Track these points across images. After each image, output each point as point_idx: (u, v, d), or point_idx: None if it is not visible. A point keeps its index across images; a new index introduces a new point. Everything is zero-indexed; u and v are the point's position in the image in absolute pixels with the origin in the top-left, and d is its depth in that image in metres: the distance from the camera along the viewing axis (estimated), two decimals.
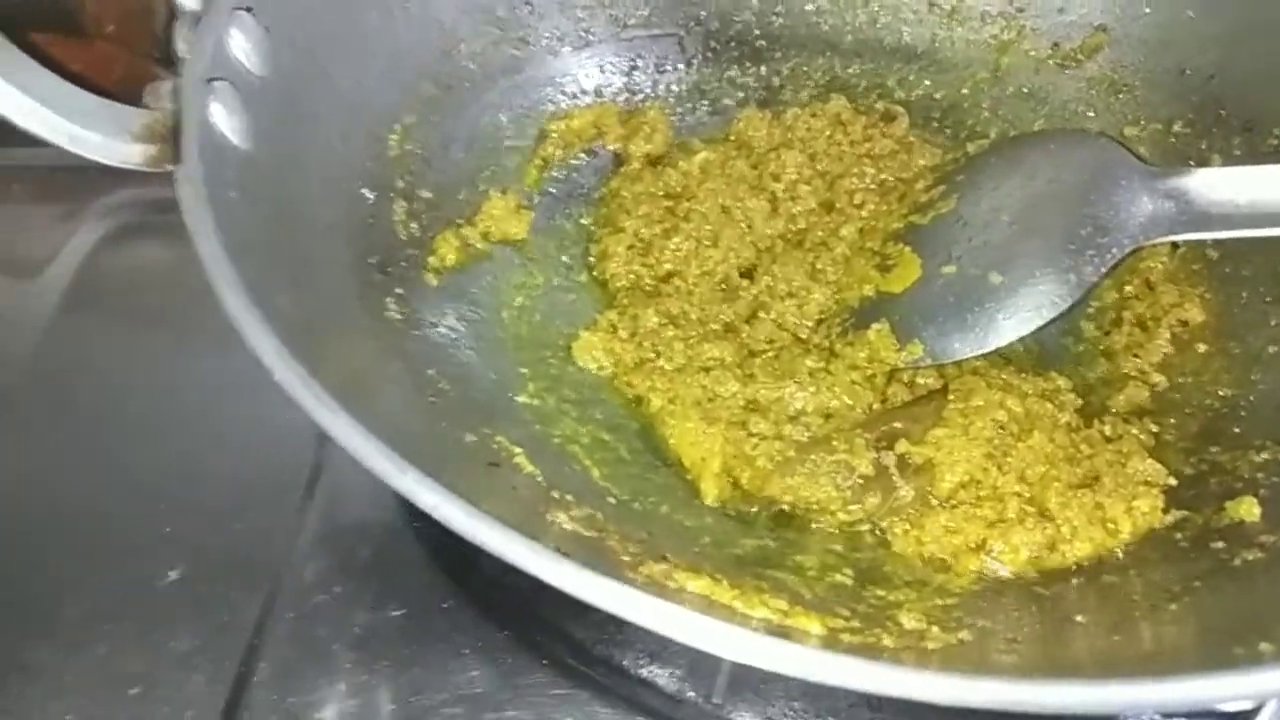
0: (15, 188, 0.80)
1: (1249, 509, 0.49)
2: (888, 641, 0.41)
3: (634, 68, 0.73)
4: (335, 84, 0.57)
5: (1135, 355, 0.61)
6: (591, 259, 0.65)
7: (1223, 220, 0.54)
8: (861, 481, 0.52)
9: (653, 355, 0.58)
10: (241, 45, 0.51)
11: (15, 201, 0.80)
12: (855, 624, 0.42)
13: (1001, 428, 0.52)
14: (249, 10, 0.51)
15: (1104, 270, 0.56)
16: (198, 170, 0.43)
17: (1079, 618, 0.44)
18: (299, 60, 0.54)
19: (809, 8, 0.76)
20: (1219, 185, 0.56)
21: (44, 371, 0.67)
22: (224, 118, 0.47)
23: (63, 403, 0.66)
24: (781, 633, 0.39)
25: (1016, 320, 0.56)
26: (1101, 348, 0.62)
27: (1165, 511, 0.51)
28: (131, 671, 0.52)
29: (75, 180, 0.78)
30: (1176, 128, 0.69)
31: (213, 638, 0.54)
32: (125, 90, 0.88)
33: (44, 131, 0.43)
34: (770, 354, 0.59)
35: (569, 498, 0.47)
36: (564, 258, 0.65)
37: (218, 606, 0.55)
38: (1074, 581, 0.48)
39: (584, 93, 0.72)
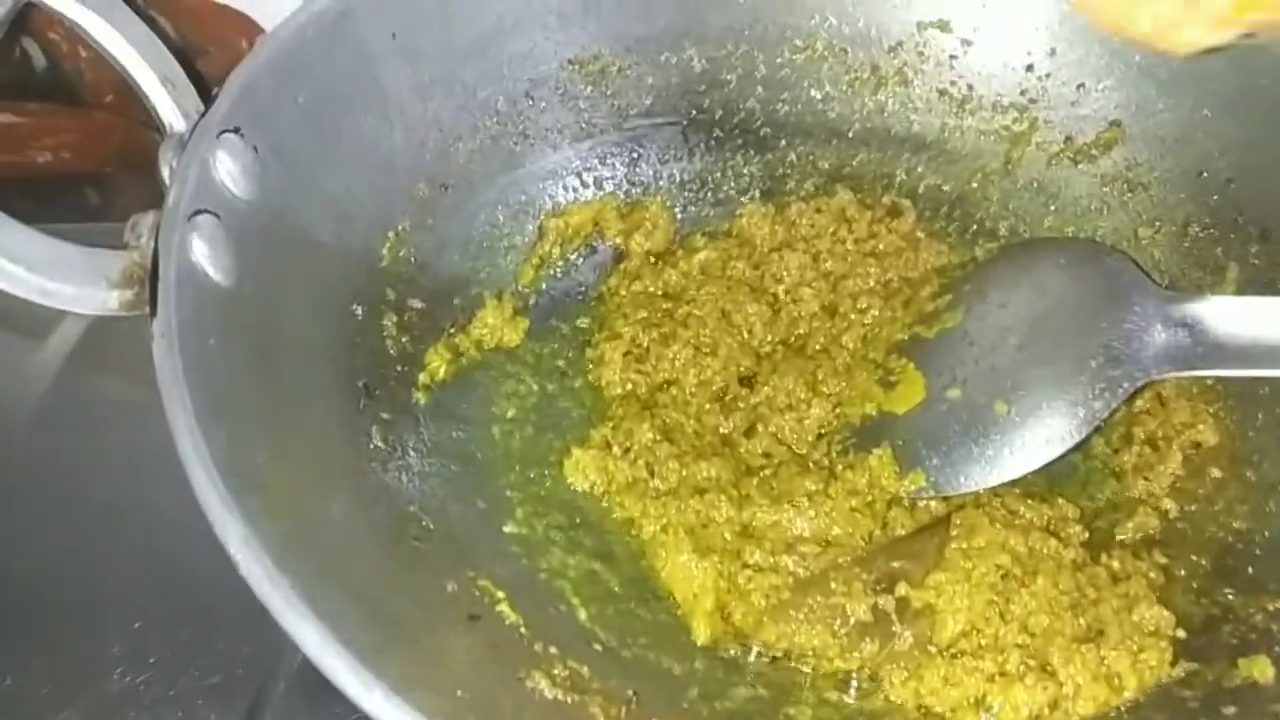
0: None
1: (1262, 669, 0.47)
2: None
3: (636, 158, 0.72)
4: (327, 198, 0.55)
5: (1145, 477, 0.59)
6: (589, 364, 0.64)
7: (1240, 356, 0.53)
8: (859, 627, 0.50)
9: (646, 475, 0.56)
10: (229, 169, 0.49)
11: None
12: None
13: (1005, 574, 0.50)
14: (237, 131, 0.50)
15: (1114, 405, 0.54)
16: (175, 321, 0.42)
17: None
18: (289, 177, 0.53)
19: (815, 94, 0.74)
20: (1237, 316, 0.54)
21: (40, 437, 0.67)
22: (206, 255, 0.46)
23: (56, 469, 0.65)
24: None
25: (1023, 456, 0.54)
26: (1111, 467, 0.60)
27: (1173, 664, 0.49)
28: None
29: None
30: (1192, 231, 0.66)
31: None
32: (122, 160, 0.87)
33: (13, 287, 0.42)
34: (768, 471, 0.58)
35: (553, 650, 0.46)
36: (559, 362, 0.64)
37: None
38: None
39: (584, 186, 0.70)
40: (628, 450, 0.57)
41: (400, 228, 0.60)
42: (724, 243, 0.68)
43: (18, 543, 0.61)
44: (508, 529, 0.54)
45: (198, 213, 0.46)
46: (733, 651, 0.51)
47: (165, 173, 0.49)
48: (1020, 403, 0.55)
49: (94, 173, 0.86)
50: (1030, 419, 0.55)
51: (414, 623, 0.41)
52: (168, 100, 0.49)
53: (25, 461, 0.65)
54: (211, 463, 0.37)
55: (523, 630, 0.47)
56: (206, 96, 0.53)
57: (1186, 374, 0.54)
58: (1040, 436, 0.54)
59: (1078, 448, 0.55)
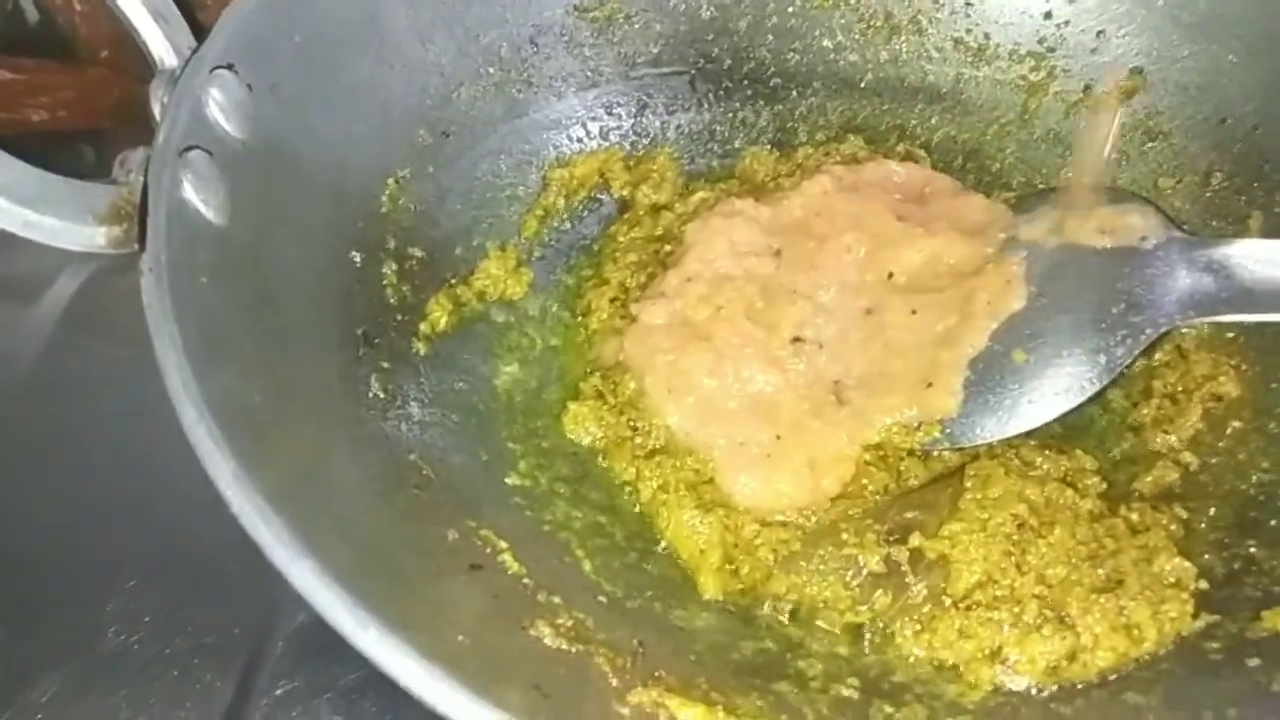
0: None
1: None
2: None
3: (643, 108, 0.70)
4: (323, 141, 0.54)
5: (1165, 430, 0.57)
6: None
7: (1268, 300, 0.51)
8: (871, 578, 0.49)
9: (629, 432, 0.55)
10: (222, 107, 0.48)
11: None
12: None
13: (1021, 525, 0.49)
14: (230, 68, 0.49)
15: (1136, 352, 0.52)
16: (164, 257, 0.40)
17: None
18: (284, 119, 0.51)
19: (827, 44, 0.72)
20: (1264, 258, 0.52)
21: (33, 400, 0.66)
22: (198, 191, 0.44)
23: (53, 430, 0.64)
24: None
25: (1041, 405, 0.53)
26: (1129, 420, 0.59)
27: (1195, 616, 0.48)
28: None
29: None
30: (1215, 181, 0.64)
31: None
32: (119, 116, 0.86)
33: None
34: None
35: (556, 600, 0.45)
36: (564, 315, 0.62)
37: (188, 689, 0.53)
38: (1095, 697, 0.45)
39: (589, 136, 0.69)
40: (615, 404, 0.56)
41: (400, 174, 0.58)
42: (725, 184, 0.66)
43: (11, 504, 0.60)
44: (510, 481, 0.52)
45: (190, 149, 0.45)
46: (741, 605, 0.50)
47: (156, 109, 0.48)
48: (1039, 351, 0.54)
49: (91, 129, 0.85)
50: (1049, 367, 0.53)
51: (414, 570, 0.40)
52: (159, 35, 0.48)
53: (19, 424, 0.64)
54: (202, 399, 0.36)
55: (526, 581, 0.45)
56: (202, 38, 0.51)
57: (1212, 319, 0.53)
58: (1059, 385, 0.53)
59: (1096, 398, 0.54)
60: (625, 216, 0.66)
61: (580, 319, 0.61)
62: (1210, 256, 0.53)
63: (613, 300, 0.60)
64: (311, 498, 0.37)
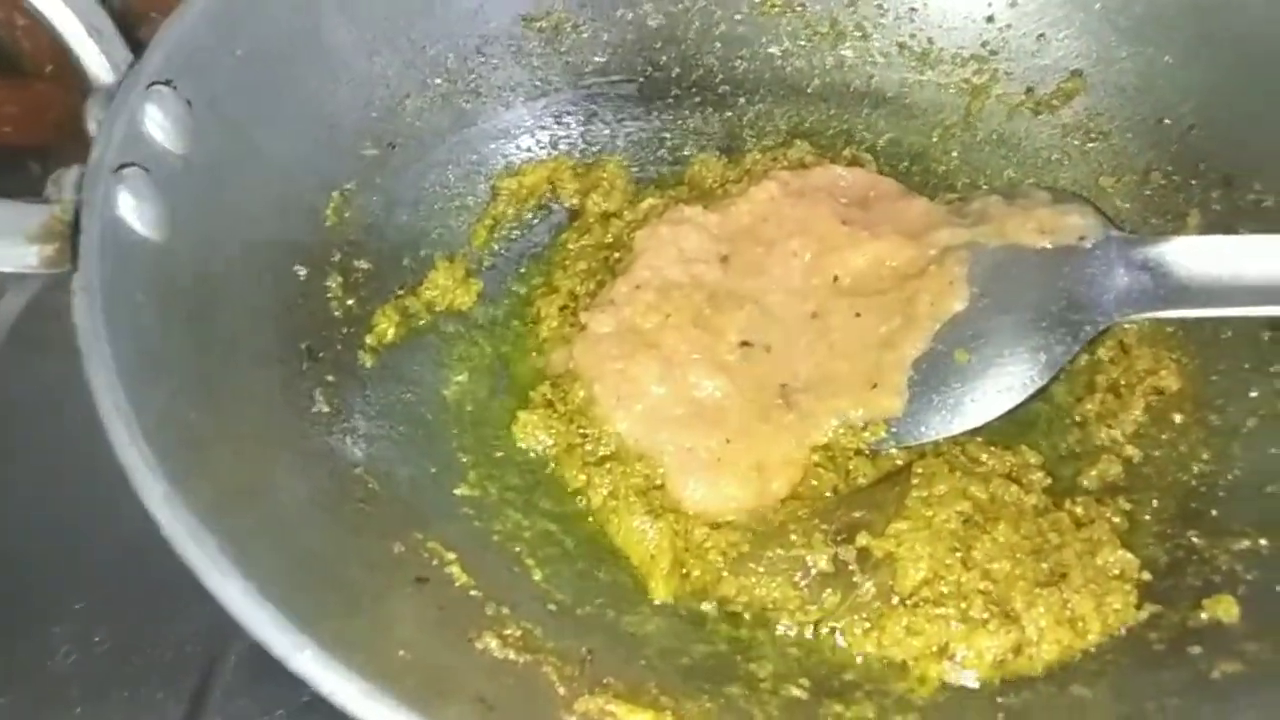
0: None
1: (1227, 608, 0.47)
2: None
3: (592, 117, 0.70)
4: (267, 155, 0.54)
5: (1108, 425, 0.58)
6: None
7: (1203, 295, 0.52)
8: (820, 578, 0.49)
9: (579, 440, 0.55)
10: (159, 123, 0.48)
11: None
12: None
13: (966, 521, 0.50)
14: (169, 84, 0.48)
15: (1076, 349, 0.53)
16: (97, 276, 0.40)
17: None
18: (227, 134, 0.51)
19: (774, 50, 0.73)
20: (1199, 255, 0.53)
21: None
22: (134, 209, 0.44)
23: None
24: None
25: (984, 403, 0.54)
26: (1073, 415, 0.59)
27: (1138, 607, 0.48)
28: None
29: None
30: (1154, 179, 0.66)
31: None
32: (64, 132, 0.85)
33: None
34: None
35: (505, 610, 0.45)
36: (514, 323, 0.62)
37: (140, 710, 0.52)
38: (1042, 691, 0.46)
39: (538, 145, 0.69)
40: (565, 412, 0.56)
41: (346, 187, 0.58)
42: (675, 191, 0.67)
43: None
44: (459, 491, 0.52)
45: (125, 166, 0.45)
46: (692, 609, 0.50)
47: (92, 127, 0.47)
48: (981, 350, 0.54)
49: (36, 145, 0.84)
50: (991, 367, 0.54)
51: (357, 585, 0.40)
52: (95, 51, 0.47)
53: None
54: (134, 419, 0.35)
55: (473, 592, 0.45)
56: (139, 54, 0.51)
57: (1149, 316, 0.54)
58: (1001, 384, 0.54)
59: (1039, 394, 0.55)
60: (575, 224, 0.66)
61: (530, 327, 0.61)
62: (1147, 255, 0.54)
63: (562, 308, 0.60)
64: (249, 516, 0.36)
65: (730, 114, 0.72)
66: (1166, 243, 0.54)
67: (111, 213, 0.43)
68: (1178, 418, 0.58)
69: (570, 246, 0.64)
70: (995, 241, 0.57)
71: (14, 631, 0.55)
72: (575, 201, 0.67)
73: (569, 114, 0.70)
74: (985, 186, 0.69)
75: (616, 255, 0.62)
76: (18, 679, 0.54)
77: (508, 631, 0.43)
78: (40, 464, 0.62)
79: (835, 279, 0.58)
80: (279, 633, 0.31)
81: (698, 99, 0.72)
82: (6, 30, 0.82)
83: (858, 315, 0.56)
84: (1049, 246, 0.56)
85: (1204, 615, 0.47)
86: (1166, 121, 0.66)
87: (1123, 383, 0.60)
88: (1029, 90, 0.70)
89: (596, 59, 0.70)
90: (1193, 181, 0.64)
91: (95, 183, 0.43)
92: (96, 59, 0.49)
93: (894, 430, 0.54)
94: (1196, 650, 0.46)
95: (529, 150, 0.68)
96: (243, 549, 0.33)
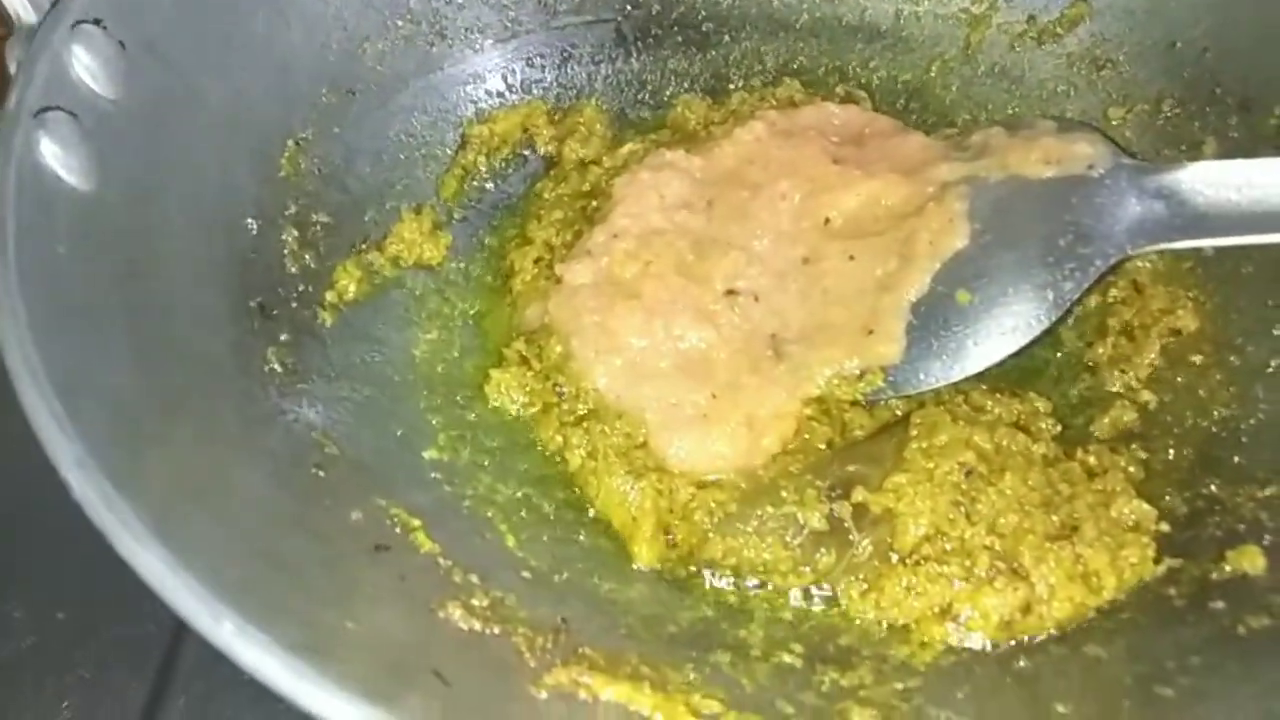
0: None
1: (1253, 559, 0.43)
2: None
3: (567, 59, 0.66)
4: (210, 102, 0.50)
5: (1122, 369, 0.55)
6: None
7: (1221, 223, 0.48)
8: (813, 537, 0.46)
9: (556, 398, 0.51)
10: (87, 65, 0.44)
11: None
12: None
13: (969, 473, 0.46)
14: (98, 23, 0.45)
15: (1086, 285, 0.50)
16: (12, 226, 0.36)
17: (1060, 708, 0.38)
18: (164, 78, 0.47)
19: None
20: (1216, 181, 0.49)
21: None
22: (58, 155, 0.41)
23: None
24: None
25: (987, 346, 0.50)
26: (1084, 360, 0.56)
27: (1157, 561, 0.45)
28: None
29: None
30: (1166, 108, 0.62)
31: None
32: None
33: None
34: None
35: (473, 578, 0.41)
36: (487, 278, 0.59)
37: (102, 691, 0.50)
38: (1053, 654, 0.42)
39: (510, 90, 0.65)
40: (541, 369, 0.53)
41: (301, 136, 0.54)
42: (657, 135, 0.63)
43: None
44: (428, 455, 0.49)
45: (48, 109, 0.41)
46: (678, 574, 0.47)
47: (12, 68, 0.43)
48: (984, 290, 0.51)
49: None
50: (995, 307, 0.50)
51: (302, 555, 0.37)
52: None
53: None
54: (44, 376, 0.32)
55: (440, 560, 0.42)
56: None
57: (1165, 247, 0.50)
58: (1006, 325, 0.50)
59: (1046, 336, 0.51)
60: (552, 173, 0.63)
61: (504, 282, 0.57)
62: (1161, 182, 0.50)
63: (537, 260, 0.57)
64: (178, 482, 0.33)
65: (715, 53, 0.68)
66: (1182, 169, 0.50)
67: (31, 158, 0.39)
68: (1196, 359, 0.54)
69: (546, 196, 0.61)
70: (997, 174, 0.53)
71: None
72: (551, 149, 0.64)
73: (542, 56, 0.66)
74: (987, 121, 0.65)
75: (594, 204, 0.59)
76: None
77: (475, 601, 0.39)
78: None
79: (827, 221, 0.54)
80: (197, 603, 0.28)
81: (679, 38, 0.68)
82: None
83: (851, 259, 0.52)
84: (1055, 177, 0.52)
85: (1227, 567, 0.44)
86: (1178, 45, 0.61)
87: (1137, 324, 0.56)
88: (1031, 18, 0.66)
89: None
90: (1208, 108, 0.60)
91: (13, 127, 0.40)
92: None
93: (892, 379, 0.51)
94: (1220, 605, 0.42)
95: (500, 95, 0.64)
96: (164, 515, 0.30)
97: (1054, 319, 0.50)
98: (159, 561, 0.28)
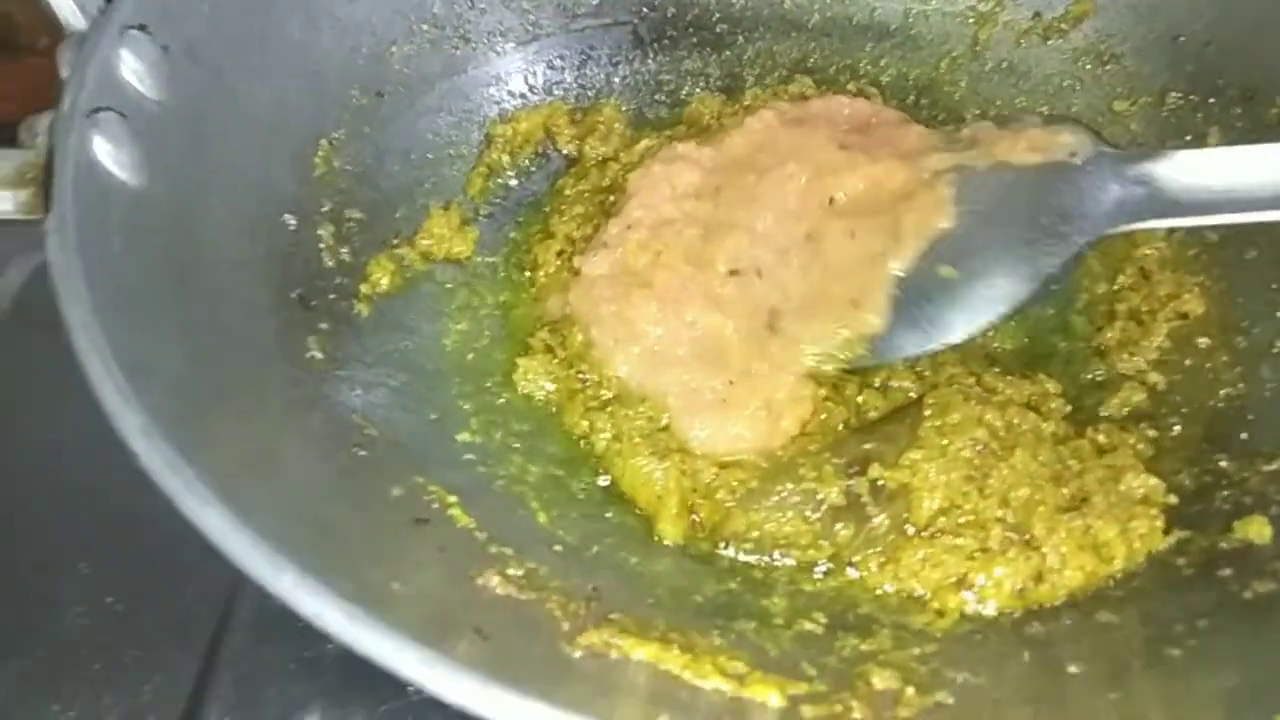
0: None
1: (1259, 529, 0.45)
2: (856, 713, 0.36)
3: (586, 60, 0.69)
4: (249, 103, 0.52)
5: (1130, 353, 0.56)
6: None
7: (1196, 205, 0.50)
8: (831, 512, 0.48)
9: (580, 385, 0.53)
10: (134, 68, 0.46)
11: None
12: (821, 688, 0.38)
13: (982, 448, 0.48)
14: (143, 29, 0.47)
15: (1063, 259, 0.51)
16: (71, 218, 0.39)
17: (1072, 668, 0.40)
18: (206, 81, 0.50)
19: None
20: (1194, 168, 0.51)
21: None
22: (110, 153, 0.43)
23: (5, 419, 0.63)
24: (734, 710, 0.35)
25: (966, 316, 0.52)
26: (1094, 345, 0.57)
27: (1166, 533, 0.47)
28: None
29: None
30: (1170, 100, 0.63)
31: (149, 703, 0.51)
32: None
33: None
34: None
35: (508, 551, 0.43)
36: (513, 271, 0.61)
37: (153, 666, 0.51)
38: (1066, 620, 0.44)
39: (532, 91, 0.67)
40: (565, 357, 0.55)
41: (334, 136, 0.57)
42: (671, 131, 0.65)
43: None
44: (461, 438, 0.51)
45: (100, 110, 0.43)
46: (702, 548, 0.49)
47: (64, 72, 0.46)
48: (966, 265, 0.53)
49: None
50: (976, 280, 0.52)
51: (348, 523, 0.39)
52: None
53: None
54: (109, 353, 0.34)
55: (476, 533, 0.44)
56: None
57: (1140, 226, 0.51)
58: (985, 296, 0.52)
59: (1024, 306, 0.52)
60: (572, 170, 0.65)
61: (529, 274, 0.59)
62: (1140, 169, 0.52)
63: (559, 253, 0.59)
64: (233, 453, 0.35)
65: (729, 53, 0.70)
66: (1160, 156, 0.52)
67: (86, 156, 0.42)
68: (1203, 342, 0.56)
69: (566, 192, 0.63)
70: (985, 162, 0.55)
71: (26, 594, 0.55)
72: (573, 147, 0.66)
73: (562, 58, 0.68)
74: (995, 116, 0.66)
75: (612, 198, 0.61)
76: (31, 639, 0.53)
77: (511, 571, 0.41)
78: (49, 431, 0.62)
79: (831, 201, 0.56)
80: (260, 557, 0.29)
81: (694, 39, 0.70)
82: (1, 5, 0.81)
83: (853, 235, 0.54)
84: (1039, 164, 0.54)
85: (1235, 537, 0.45)
86: (1181, 39, 0.63)
87: (1144, 309, 0.58)
88: (1037, 15, 0.68)
89: (589, 1, 0.68)
90: (1211, 100, 0.62)
91: (68, 126, 0.42)
92: (68, 6, 0.48)
93: (874, 348, 0.52)
94: (1227, 572, 0.44)
95: (522, 96, 0.66)
96: (223, 482, 0.32)
97: (1031, 292, 0.51)
98: (222, 520, 0.30)
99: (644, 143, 0.63)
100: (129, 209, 0.42)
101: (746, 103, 0.65)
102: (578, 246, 0.58)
